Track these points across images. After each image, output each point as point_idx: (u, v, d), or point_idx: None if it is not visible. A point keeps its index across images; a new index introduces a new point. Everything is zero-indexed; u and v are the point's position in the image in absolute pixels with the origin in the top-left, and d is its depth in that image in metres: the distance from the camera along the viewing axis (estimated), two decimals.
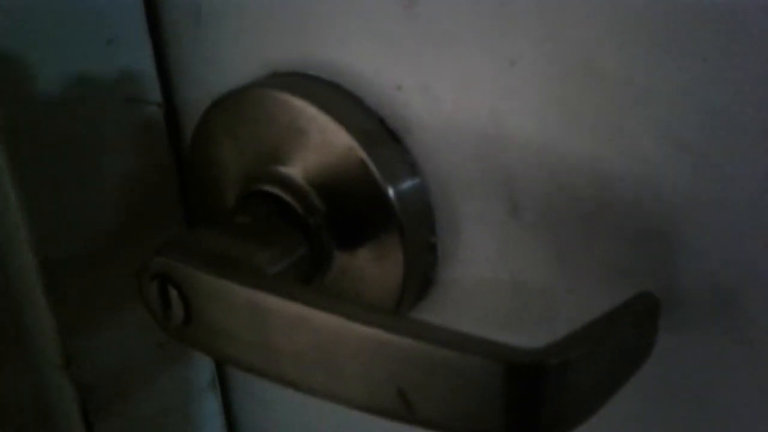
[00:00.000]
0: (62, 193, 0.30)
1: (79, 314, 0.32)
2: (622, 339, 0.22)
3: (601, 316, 0.22)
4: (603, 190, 0.24)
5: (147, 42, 0.32)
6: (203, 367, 0.39)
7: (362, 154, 0.26)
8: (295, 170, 0.29)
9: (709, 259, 0.23)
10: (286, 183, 0.29)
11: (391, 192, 0.27)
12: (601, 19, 0.22)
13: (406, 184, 0.27)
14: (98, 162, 0.31)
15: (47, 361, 0.32)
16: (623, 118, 0.23)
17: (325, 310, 0.22)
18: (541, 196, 0.25)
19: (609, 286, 0.25)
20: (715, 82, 0.21)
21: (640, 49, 0.22)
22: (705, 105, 0.21)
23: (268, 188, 0.29)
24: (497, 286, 0.28)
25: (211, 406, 0.40)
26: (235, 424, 0.43)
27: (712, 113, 0.21)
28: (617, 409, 0.23)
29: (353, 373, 0.21)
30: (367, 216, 0.28)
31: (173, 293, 0.24)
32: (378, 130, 0.27)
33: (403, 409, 0.21)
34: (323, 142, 0.27)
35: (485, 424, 0.20)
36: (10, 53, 0.27)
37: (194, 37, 0.32)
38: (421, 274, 0.29)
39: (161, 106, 0.33)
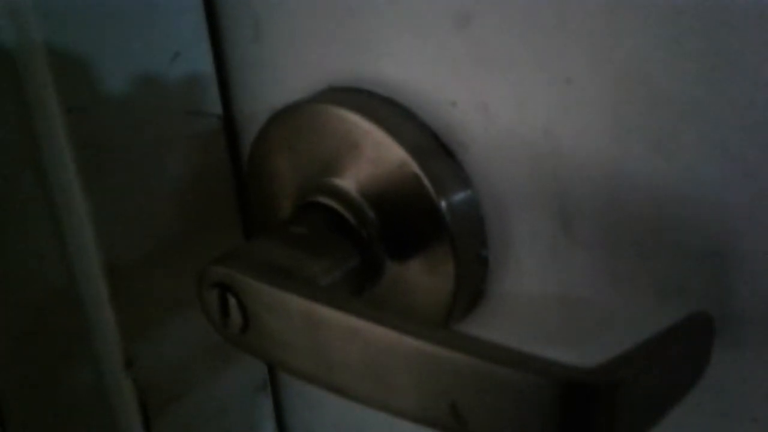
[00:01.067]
0: (126, 201, 0.31)
1: (140, 317, 0.33)
2: (675, 358, 0.22)
3: (656, 334, 0.22)
4: (659, 208, 0.24)
5: (209, 56, 0.33)
6: (256, 370, 0.40)
7: (415, 168, 0.27)
8: (349, 182, 0.29)
9: (766, 280, 0.22)
10: (340, 195, 0.29)
11: (443, 204, 0.27)
12: (656, 36, 0.22)
13: (459, 197, 0.28)
14: (161, 171, 0.32)
15: (110, 362, 0.33)
16: (680, 135, 0.23)
17: (377, 323, 0.22)
18: (595, 213, 0.25)
19: (661, 304, 0.25)
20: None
21: (697, 65, 0.22)
22: (760, 121, 0.21)
23: (323, 200, 0.29)
24: (547, 301, 0.28)
25: (263, 407, 0.41)
26: (286, 425, 0.44)
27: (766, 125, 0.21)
28: (670, 429, 0.22)
29: (404, 385, 0.22)
30: (419, 228, 0.28)
31: (232, 301, 0.25)
32: (432, 145, 0.28)
33: (455, 423, 0.21)
34: (377, 155, 0.28)
35: None
36: (82, 59, 0.28)
37: (253, 51, 0.33)
38: (472, 287, 0.29)
39: (221, 118, 0.34)
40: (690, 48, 0.21)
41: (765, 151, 0.21)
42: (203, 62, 0.33)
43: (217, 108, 0.34)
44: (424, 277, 0.29)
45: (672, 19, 0.21)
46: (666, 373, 0.22)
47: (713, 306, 0.24)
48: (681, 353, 0.22)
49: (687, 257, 0.24)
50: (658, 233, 0.24)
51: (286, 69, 0.32)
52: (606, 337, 0.26)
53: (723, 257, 0.23)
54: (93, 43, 0.29)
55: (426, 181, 0.27)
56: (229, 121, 0.35)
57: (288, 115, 0.30)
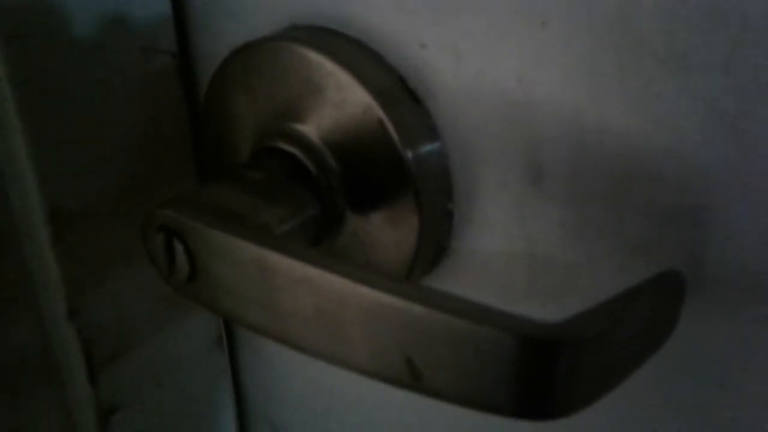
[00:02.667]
0: (72, 142, 0.29)
1: (85, 266, 0.31)
2: (643, 318, 0.21)
3: (623, 292, 0.21)
4: (633, 161, 0.23)
5: None
6: (210, 324, 0.39)
7: (380, 113, 0.25)
8: (310, 128, 0.28)
9: (743, 239, 0.22)
10: (300, 140, 0.28)
11: (408, 155, 0.26)
12: None
13: (425, 148, 0.26)
14: (110, 111, 0.30)
15: (52, 312, 0.32)
16: (659, 85, 0.21)
17: (331, 272, 0.21)
18: (567, 166, 0.24)
19: (632, 262, 0.24)
20: (758, 58, 0.20)
21: (680, 12, 0.20)
22: (749, 75, 0.20)
23: (282, 145, 0.28)
24: (514, 257, 0.27)
25: (217, 363, 0.40)
26: (241, 381, 0.43)
27: (756, 87, 0.20)
28: (637, 389, 0.22)
29: (359, 338, 0.21)
30: (383, 179, 0.27)
31: (179, 247, 0.24)
32: (398, 89, 0.26)
33: (410, 377, 0.20)
34: (340, 99, 0.26)
35: (495, 398, 0.19)
36: None
37: None
38: (436, 241, 0.28)
39: (176, 56, 0.32)
40: None
41: (747, 109, 0.20)
42: None
43: (172, 45, 0.32)
44: (386, 230, 0.28)
45: None
46: (632, 332, 0.21)
47: (684, 265, 0.23)
48: (649, 312, 0.21)
49: (659, 214, 0.23)
50: (630, 188, 0.23)
51: (246, 5, 0.30)
52: (573, 294, 0.26)
53: (696, 215, 0.22)
54: None
55: (391, 129, 0.26)
56: (185, 60, 0.33)
57: (247, 53, 0.28)
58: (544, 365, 0.19)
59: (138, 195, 0.32)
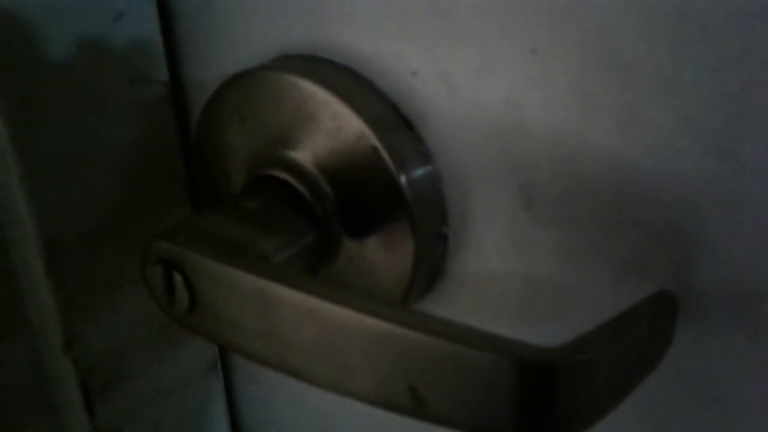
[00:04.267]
0: (65, 172, 0.29)
1: (80, 295, 0.31)
2: (638, 339, 0.22)
3: (618, 314, 0.21)
4: (622, 184, 0.23)
5: (155, 19, 0.31)
6: (205, 350, 0.39)
7: (374, 141, 0.26)
8: (304, 155, 0.28)
9: (731, 258, 0.22)
10: (295, 168, 0.28)
11: (402, 180, 0.26)
12: (624, 7, 0.21)
13: (419, 173, 0.27)
14: (102, 141, 0.30)
15: (48, 343, 0.31)
16: (646, 110, 0.22)
17: (333, 302, 0.21)
18: (558, 189, 0.25)
19: (625, 281, 0.24)
20: (743, 75, 0.20)
21: (666, 38, 0.21)
22: (732, 99, 0.21)
23: (276, 173, 0.28)
24: (508, 279, 0.27)
25: (212, 389, 0.40)
26: (236, 406, 0.43)
27: (740, 108, 0.21)
28: (631, 408, 0.22)
29: (362, 367, 0.21)
30: (378, 204, 0.27)
31: (178, 279, 0.24)
32: (391, 116, 0.27)
33: (413, 405, 0.20)
34: (334, 127, 0.26)
35: (495, 423, 0.20)
36: (16, 15, 0.26)
37: (203, 16, 0.31)
38: (431, 265, 0.28)
39: (167, 85, 0.32)
40: (659, 19, 0.21)
41: (734, 127, 0.21)
42: (149, 24, 0.31)
43: (163, 74, 0.32)
44: (382, 255, 0.28)
45: None
46: (628, 354, 0.21)
47: (675, 284, 0.23)
48: (644, 334, 0.22)
49: (648, 234, 0.24)
50: (620, 209, 0.24)
51: (238, 34, 0.30)
52: (567, 315, 0.26)
53: (686, 234, 0.23)
54: (29, 2, 0.26)
55: (385, 155, 0.26)
56: (177, 89, 0.33)
57: (240, 82, 0.28)
58: (543, 389, 0.19)
59: (132, 224, 0.32)
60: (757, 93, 0.20)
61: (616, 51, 0.22)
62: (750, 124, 0.21)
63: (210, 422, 0.41)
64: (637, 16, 0.21)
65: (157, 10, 0.31)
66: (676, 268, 0.23)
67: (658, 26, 0.21)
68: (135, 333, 0.34)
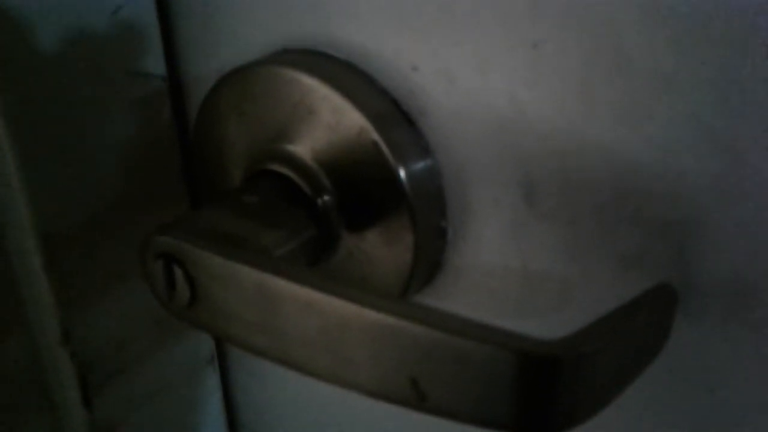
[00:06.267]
0: (62, 166, 0.29)
1: (78, 289, 0.31)
2: (638, 332, 0.22)
3: (618, 308, 0.21)
4: (623, 178, 0.23)
5: (153, 12, 0.31)
6: (203, 344, 0.39)
7: (375, 135, 0.26)
8: (304, 149, 0.28)
9: (730, 252, 0.22)
10: (294, 162, 0.28)
11: (402, 174, 0.26)
12: (626, 4, 0.21)
13: (418, 167, 0.27)
14: (100, 135, 0.30)
15: (46, 337, 0.31)
16: (648, 105, 0.22)
17: (335, 295, 0.21)
18: (558, 184, 0.25)
19: (624, 276, 0.25)
20: (743, 73, 0.20)
21: (668, 34, 0.21)
22: (732, 96, 0.21)
23: (276, 167, 0.28)
24: (507, 272, 0.27)
25: (209, 382, 0.40)
26: (233, 400, 0.43)
27: (740, 105, 0.21)
28: (631, 399, 0.22)
29: (364, 360, 0.21)
30: (377, 198, 0.27)
31: (178, 273, 0.24)
32: (391, 111, 0.27)
33: (415, 398, 0.20)
34: (334, 122, 0.27)
35: (496, 415, 0.20)
36: (12, 19, 0.26)
37: (202, 8, 0.31)
38: (430, 258, 0.29)
39: (166, 79, 0.32)
40: (660, 15, 0.21)
41: (736, 124, 0.21)
42: (147, 18, 0.31)
43: (161, 68, 0.32)
44: (381, 249, 0.28)
45: None
46: (628, 347, 0.21)
47: (674, 276, 0.24)
48: (643, 327, 0.22)
49: (649, 229, 0.24)
50: (620, 204, 0.24)
51: (237, 28, 0.30)
52: (566, 308, 0.26)
53: (685, 229, 0.23)
54: None
55: (385, 150, 0.26)
56: (175, 83, 0.33)
57: (240, 77, 0.28)
58: (545, 382, 0.19)
59: (129, 218, 0.32)
60: (757, 90, 0.20)
61: (617, 47, 0.22)
62: (750, 121, 0.21)
63: (207, 416, 0.41)
64: (639, 12, 0.21)
65: (155, 4, 0.31)
66: (676, 262, 0.24)
67: (659, 23, 0.21)
68: (132, 327, 0.34)
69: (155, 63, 0.32)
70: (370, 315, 0.20)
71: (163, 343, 0.36)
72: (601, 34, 0.22)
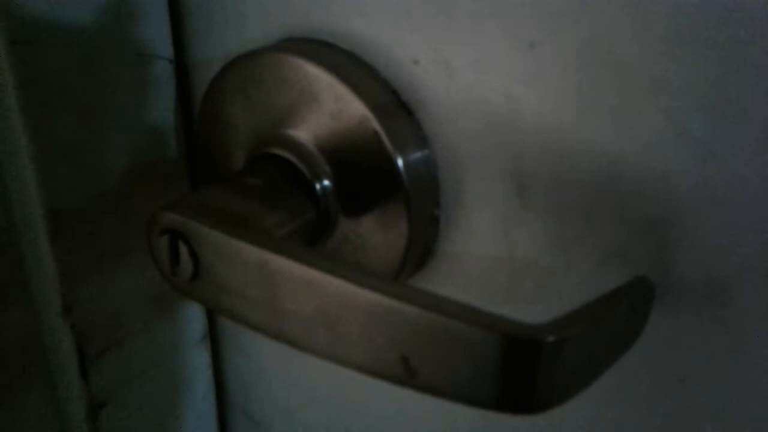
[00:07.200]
0: (71, 143, 0.30)
1: (80, 264, 0.32)
2: (616, 320, 0.23)
3: (599, 297, 0.23)
4: (609, 175, 0.25)
5: None
6: (195, 322, 0.40)
7: (376, 125, 0.27)
8: (306, 135, 0.29)
9: (706, 250, 0.24)
10: (296, 146, 0.29)
11: (400, 162, 0.27)
12: (620, 9, 0.22)
13: (415, 156, 0.28)
14: (108, 114, 0.31)
15: (47, 308, 0.32)
16: (636, 107, 0.23)
17: (332, 275, 0.22)
18: (548, 178, 0.26)
19: (606, 268, 0.26)
20: (727, 77, 0.22)
21: (657, 39, 0.22)
22: (716, 99, 0.22)
23: (278, 151, 0.29)
24: (496, 261, 0.29)
25: (201, 359, 0.41)
26: (223, 377, 0.44)
27: (723, 108, 0.22)
28: (607, 384, 0.24)
29: (357, 337, 0.22)
30: (375, 185, 0.28)
31: (183, 249, 0.25)
32: (392, 102, 0.28)
33: (405, 375, 0.21)
34: (337, 110, 0.28)
35: (482, 393, 0.21)
36: (25, 4, 0.27)
37: None
38: (423, 245, 0.30)
39: (172, 62, 0.33)
40: (655, 23, 0.22)
41: (721, 132, 0.22)
42: (157, 3, 0.31)
43: (168, 52, 0.33)
44: (376, 234, 0.29)
45: None
46: (606, 335, 0.23)
47: (653, 271, 0.25)
48: (622, 316, 0.23)
49: (631, 225, 0.25)
50: (605, 201, 0.25)
51: (244, 15, 0.31)
52: (551, 296, 0.27)
53: (665, 227, 0.24)
54: None
55: (385, 139, 0.27)
56: (181, 66, 0.34)
57: (246, 62, 0.29)
58: (528, 364, 0.20)
59: (131, 197, 0.33)
60: (741, 98, 0.21)
61: (611, 51, 0.23)
62: (733, 127, 0.22)
63: (197, 392, 0.42)
64: (632, 17, 0.22)
65: None
66: (655, 257, 0.25)
67: (651, 28, 0.22)
68: (129, 303, 0.35)
69: (163, 46, 0.32)
70: (366, 295, 0.22)
71: (157, 320, 0.37)
72: (595, 38, 0.23)
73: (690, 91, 0.22)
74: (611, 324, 0.23)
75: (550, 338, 0.20)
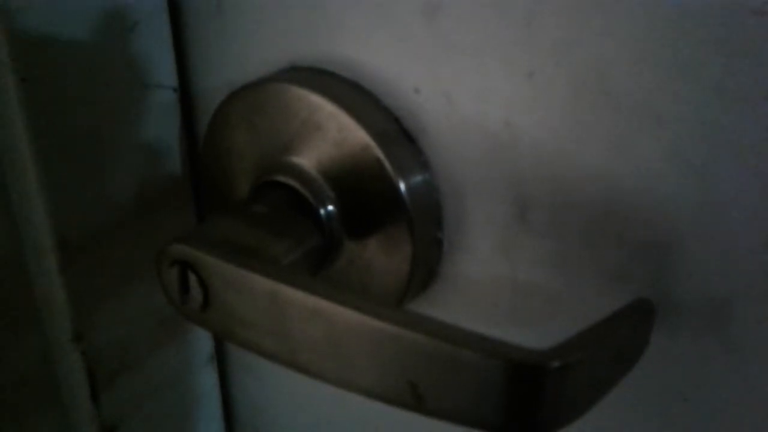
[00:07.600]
0: (79, 174, 0.31)
1: (89, 291, 0.32)
2: (618, 343, 0.24)
3: (601, 320, 0.23)
4: (608, 201, 0.25)
5: (168, 27, 0.32)
6: (203, 344, 0.40)
7: (378, 153, 0.27)
8: (309, 162, 0.29)
9: (705, 271, 0.24)
10: (300, 173, 0.29)
11: (402, 187, 0.28)
12: (616, 40, 0.23)
13: (418, 181, 0.28)
14: (115, 143, 0.32)
15: (57, 335, 0.33)
16: (632, 136, 0.24)
17: (340, 304, 0.23)
18: (548, 203, 0.26)
19: (607, 290, 0.26)
20: (723, 110, 0.22)
21: (652, 69, 0.23)
22: (710, 126, 0.22)
23: (282, 178, 0.30)
24: (498, 283, 0.29)
25: (209, 381, 0.41)
26: (231, 397, 0.44)
27: (718, 134, 0.22)
28: (610, 404, 0.24)
29: (366, 365, 0.23)
30: (378, 209, 0.29)
31: (193, 279, 0.25)
32: (394, 129, 0.28)
33: (413, 400, 0.22)
34: (340, 138, 0.28)
35: (487, 418, 0.21)
36: (38, 26, 0.27)
37: (215, 26, 0.32)
38: (426, 268, 0.30)
39: (176, 90, 0.33)
40: (649, 55, 0.23)
41: (715, 157, 0.23)
42: (162, 33, 0.32)
43: (173, 81, 0.33)
44: (381, 257, 0.30)
45: (634, 25, 0.23)
46: (609, 357, 0.23)
47: (653, 293, 0.25)
48: (623, 338, 0.24)
49: (631, 248, 0.25)
50: (605, 224, 0.26)
51: (247, 45, 0.32)
52: (553, 318, 0.28)
53: (664, 249, 0.25)
54: (50, 10, 0.28)
55: (388, 166, 0.28)
56: (188, 97, 0.34)
57: (250, 92, 0.30)
58: (533, 389, 0.21)
59: (140, 224, 0.33)
60: (734, 126, 0.22)
61: (606, 81, 0.24)
62: (724, 154, 0.23)
63: (206, 413, 0.42)
64: (627, 50, 0.23)
65: (170, 21, 0.32)
66: (655, 278, 0.25)
67: (645, 60, 0.23)
68: (138, 327, 0.36)
69: (168, 76, 0.33)
70: (373, 323, 0.22)
71: (165, 343, 0.38)
72: (592, 69, 0.24)
73: (685, 121, 0.23)
74: (613, 347, 0.23)
75: (555, 364, 0.20)
